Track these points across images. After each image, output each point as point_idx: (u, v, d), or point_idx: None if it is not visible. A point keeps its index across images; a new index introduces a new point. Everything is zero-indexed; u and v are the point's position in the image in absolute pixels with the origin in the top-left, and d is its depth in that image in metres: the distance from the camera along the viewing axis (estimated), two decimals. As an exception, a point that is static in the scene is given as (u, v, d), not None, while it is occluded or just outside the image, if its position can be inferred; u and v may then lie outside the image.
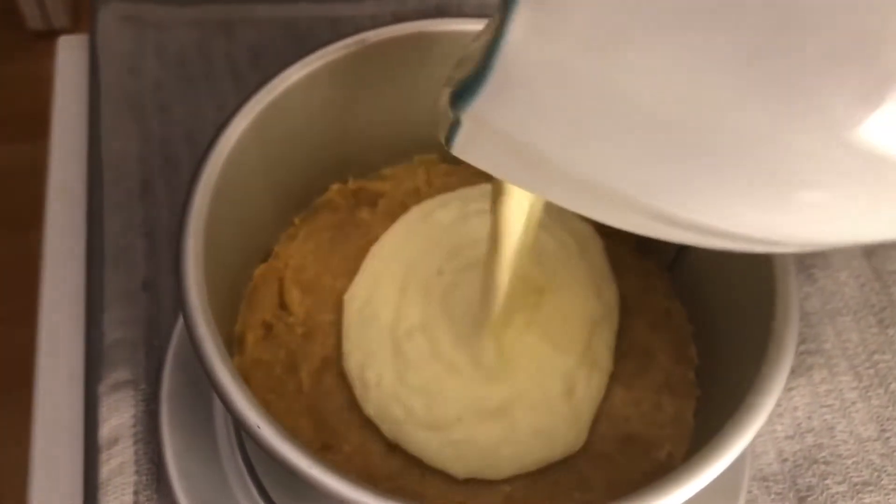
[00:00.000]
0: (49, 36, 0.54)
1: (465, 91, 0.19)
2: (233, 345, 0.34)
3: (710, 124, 0.18)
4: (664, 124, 0.18)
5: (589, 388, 0.33)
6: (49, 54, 0.52)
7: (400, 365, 0.33)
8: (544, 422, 0.32)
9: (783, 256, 0.29)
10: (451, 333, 0.34)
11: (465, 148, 0.22)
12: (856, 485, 0.36)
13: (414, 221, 0.37)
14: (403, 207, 0.37)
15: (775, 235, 0.20)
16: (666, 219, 0.20)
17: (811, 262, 0.42)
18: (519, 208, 0.28)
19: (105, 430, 0.36)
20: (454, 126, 0.21)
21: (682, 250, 0.36)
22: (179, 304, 0.27)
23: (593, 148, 0.19)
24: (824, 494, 0.36)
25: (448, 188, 0.38)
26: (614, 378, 0.34)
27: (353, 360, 0.33)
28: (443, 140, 0.22)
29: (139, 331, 0.39)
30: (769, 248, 0.21)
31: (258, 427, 0.24)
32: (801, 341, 0.40)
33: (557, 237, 0.37)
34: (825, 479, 0.37)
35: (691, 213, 0.20)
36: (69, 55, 0.51)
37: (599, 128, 0.19)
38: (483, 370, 0.33)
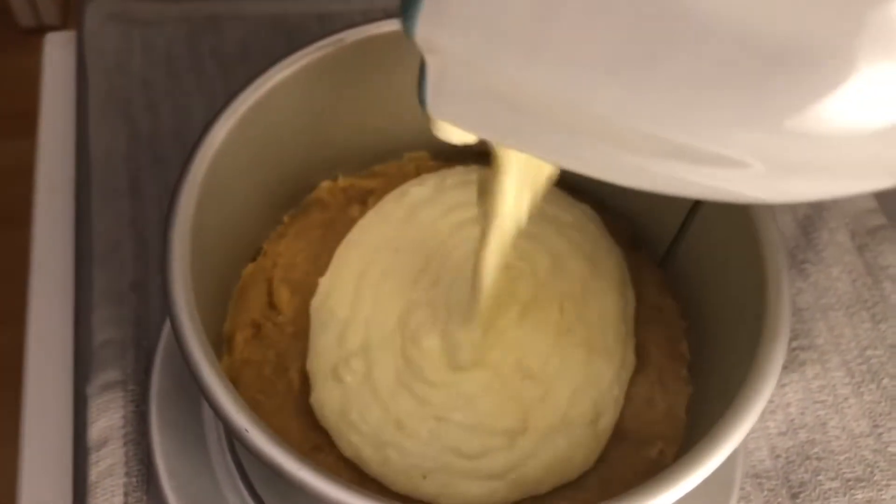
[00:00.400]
0: (40, 33, 0.54)
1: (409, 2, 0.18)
2: (222, 344, 0.33)
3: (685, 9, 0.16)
4: (631, 8, 0.16)
5: (616, 408, 0.32)
6: (40, 51, 0.51)
7: (342, 397, 0.31)
8: (561, 455, 0.31)
9: (776, 252, 0.29)
10: (399, 352, 0.32)
11: (437, 99, 0.21)
12: (848, 480, 0.36)
13: (388, 202, 0.37)
14: (393, 205, 0.37)
15: (758, 152, 0.18)
16: (641, 144, 0.18)
17: (803, 257, 0.42)
18: (512, 184, 0.27)
19: (94, 432, 0.36)
20: (422, 76, 0.20)
21: (673, 245, 0.36)
22: (166, 305, 0.27)
23: (555, 54, 0.18)
24: (817, 490, 0.36)
25: (438, 186, 0.38)
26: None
27: (308, 369, 0.33)
28: (419, 100, 0.21)
29: (128, 331, 0.38)
30: (744, 179, 0.19)
31: (246, 430, 0.24)
32: (794, 337, 0.40)
33: (582, 221, 0.36)
34: (818, 475, 0.36)
35: (668, 129, 0.18)
36: (56, 52, 0.51)
37: (557, 18, 0.17)
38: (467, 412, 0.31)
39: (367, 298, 0.34)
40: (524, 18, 0.17)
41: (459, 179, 0.37)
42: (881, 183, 0.19)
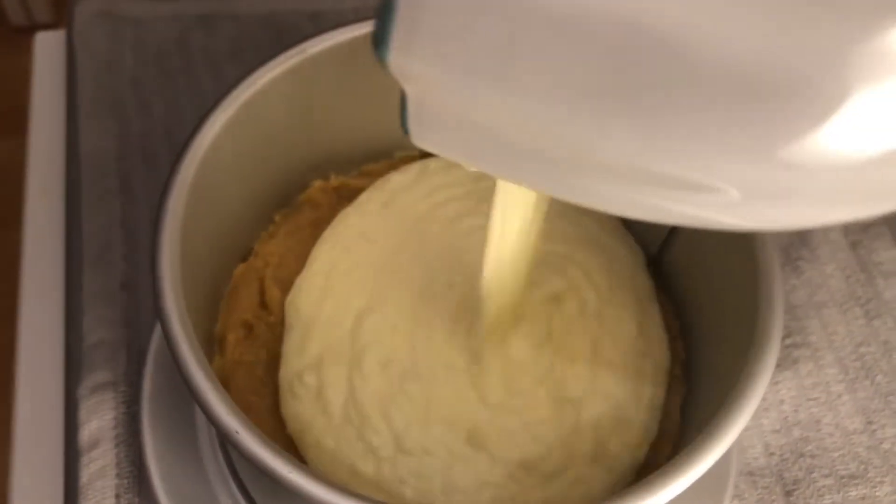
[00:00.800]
0: (31, 31, 0.53)
1: (380, 28, 0.18)
2: (214, 345, 0.33)
3: (664, 37, 0.15)
4: (609, 34, 0.16)
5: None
6: (31, 50, 0.51)
7: (299, 416, 0.30)
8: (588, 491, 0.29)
9: (768, 249, 0.29)
10: (346, 369, 0.30)
11: (418, 127, 0.21)
12: (842, 478, 0.36)
13: (368, 192, 0.36)
14: (385, 204, 0.37)
15: (747, 182, 0.17)
16: (620, 174, 0.18)
17: (797, 254, 0.42)
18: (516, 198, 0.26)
19: (85, 434, 0.35)
20: (403, 105, 0.20)
21: (665, 243, 0.35)
22: (156, 307, 0.26)
23: (523, 84, 0.17)
24: (811, 488, 0.36)
25: (430, 184, 0.38)
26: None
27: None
28: (402, 129, 0.21)
29: (119, 332, 0.38)
30: (731, 208, 0.18)
31: (237, 432, 0.24)
32: (787, 334, 0.40)
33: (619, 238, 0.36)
34: (812, 472, 0.36)
35: (646, 160, 0.17)
36: (47, 51, 0.51)
37: (528, 47, 0.17)
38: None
39: (330, 298, 0.32)
40: (491, 48, 0.17)
41: (444, 163, 0.36)
42: (874, 210, 0.19)
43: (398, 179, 0.36)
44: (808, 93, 0.16)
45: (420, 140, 0.21)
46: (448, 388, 0.30)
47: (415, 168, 0.37)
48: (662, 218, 0.20)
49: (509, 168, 0.21)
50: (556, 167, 0.19)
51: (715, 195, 0.18)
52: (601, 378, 0.31)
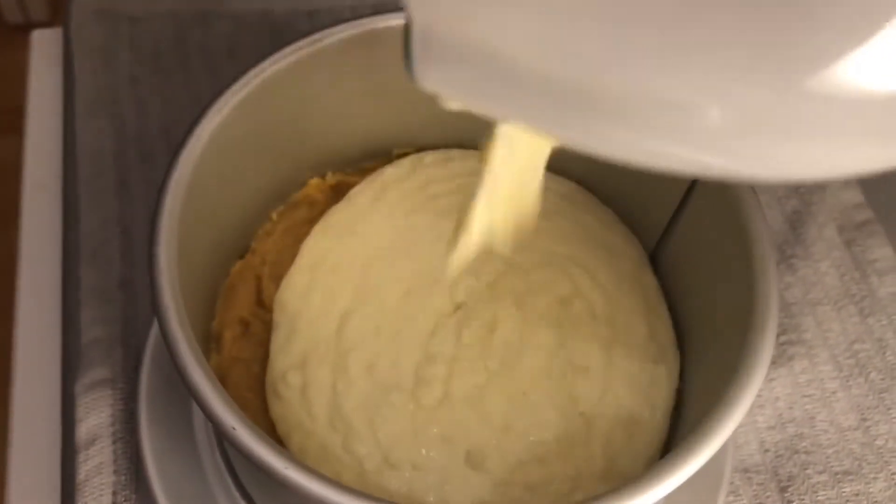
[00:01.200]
0: (27, 29, 0.53)
1: None
2: (211, 342, 0.33)
3: None
4: None
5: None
6: (28, 48, 0.51)
7: (283, 417, 0.30)
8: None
9: (764, 246, 0.29)
10: (330, 372, 0.29)
11: (424, 62, 0.20)
12: (836, 474, 0.37)
13: (360, 185, 0.35)
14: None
15: (761, 112, 0.16)
16: (630, 101, 0.17)
17: (792, 252, 0.42)
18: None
19: (83, 430, 0.36)
20: (408, 39, 0.19)
21: (661, 241, 0.36)
22: (153, 304, 0.26)
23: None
24: (805, 484, 0.36)
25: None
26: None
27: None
28: (406, 68, 0.20)
29: (116, 329, 0.38)
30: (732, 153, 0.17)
31: (233, 429, 0.24)
32: (782, 331, 0.40)
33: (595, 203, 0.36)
34: (806, 468, 0.37)
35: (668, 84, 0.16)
36: (43, 49, 0.51)
37: None
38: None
39: (316, 294, 0.32)
40: None
41: (440, 157, 0.36)
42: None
43: (391, 172, 0.36)
44: (848, 9, 0.14)
45: (423, 77, 0.20)
46: (438, 403, 0.30)
47: (409, 161, 0.36)
48: (657, 163, 0.18)
49: (514, 104, 0.20)
50: (564, 100, 0.18)
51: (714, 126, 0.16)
52: (614, 388, 0.31)
